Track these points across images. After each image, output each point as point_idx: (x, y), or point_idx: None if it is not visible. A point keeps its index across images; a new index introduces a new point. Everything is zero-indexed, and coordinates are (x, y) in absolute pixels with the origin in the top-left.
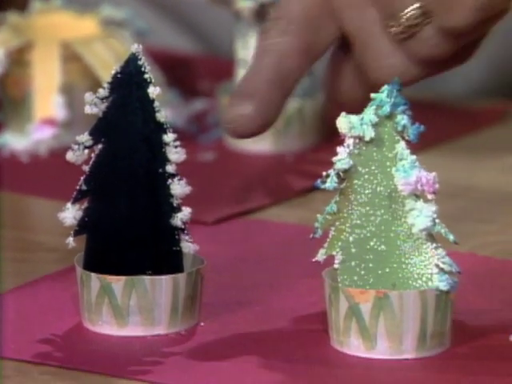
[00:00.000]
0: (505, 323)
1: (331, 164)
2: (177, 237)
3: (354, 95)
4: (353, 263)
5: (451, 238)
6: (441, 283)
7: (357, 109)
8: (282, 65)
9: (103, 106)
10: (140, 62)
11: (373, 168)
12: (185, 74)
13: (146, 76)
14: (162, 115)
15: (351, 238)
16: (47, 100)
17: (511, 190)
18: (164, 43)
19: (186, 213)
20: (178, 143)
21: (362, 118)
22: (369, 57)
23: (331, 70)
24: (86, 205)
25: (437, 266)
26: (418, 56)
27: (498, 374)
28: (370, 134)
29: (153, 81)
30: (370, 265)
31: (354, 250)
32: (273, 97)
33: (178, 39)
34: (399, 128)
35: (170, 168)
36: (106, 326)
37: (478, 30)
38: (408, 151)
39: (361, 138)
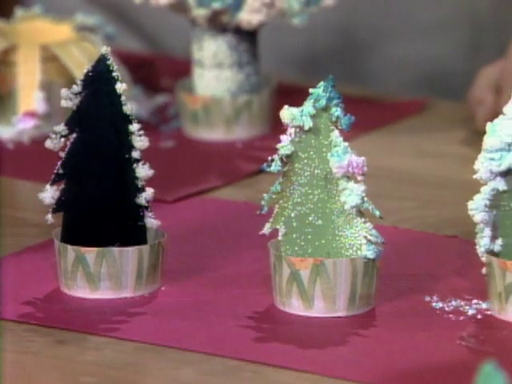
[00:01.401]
0: (421, 286)
1: (275, 150)
2: (141, 213)
3: None
4: (294, 235)
5: (377, 213)
6: (368, 252)
7: None
8: None
9: (77, 100)
10: (109, 62)
11: (311, 153)
12: (148, 73)
13: (114, 74)
14: (128, 108)
15: (293, 214)
16: (29, 95)
17: (427, 171)
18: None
19: (149, 193)
20: (142, 132)
21: (302, 110)
22: None
23: None
24: (62, 186)
25: (365, 237)
26: None
27: (415, 329)
28: (308, 124)
29: (120, 78)
30: (309, 237)
31: (295, 224)
32: None
33: (130, 42)
34: (333, 119)
35: (135, 154)
36: (80, 291)
37: None
38: (341, 139)
39: (301, 128)
